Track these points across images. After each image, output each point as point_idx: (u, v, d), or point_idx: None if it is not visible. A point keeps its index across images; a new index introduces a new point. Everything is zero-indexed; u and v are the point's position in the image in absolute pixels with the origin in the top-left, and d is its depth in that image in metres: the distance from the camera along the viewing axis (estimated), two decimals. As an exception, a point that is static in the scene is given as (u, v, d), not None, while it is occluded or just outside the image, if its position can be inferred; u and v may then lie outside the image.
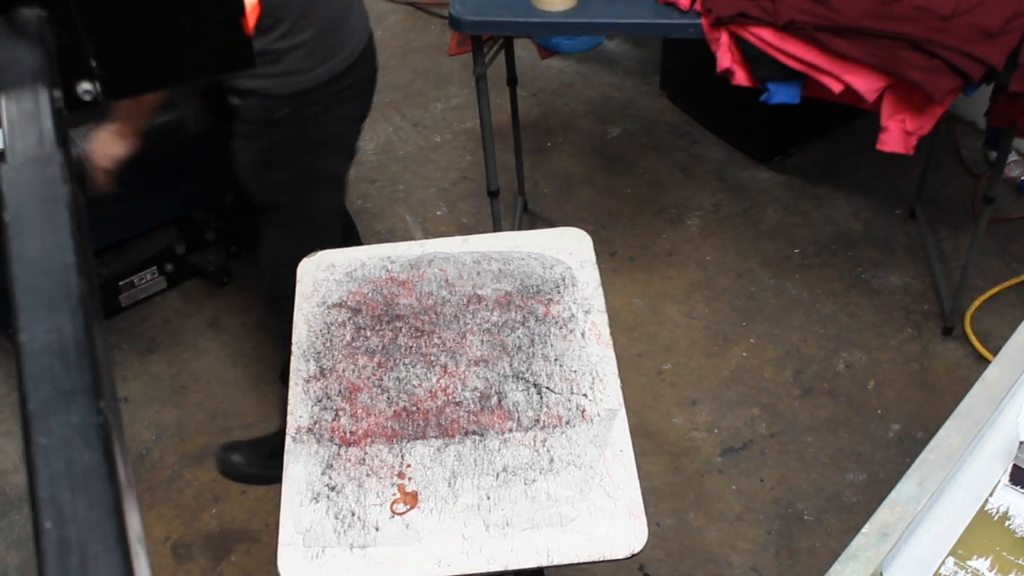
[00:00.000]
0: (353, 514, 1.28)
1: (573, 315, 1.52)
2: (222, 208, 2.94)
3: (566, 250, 1.64)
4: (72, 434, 0.42)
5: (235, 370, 2.70)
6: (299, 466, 1.34)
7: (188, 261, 2.85)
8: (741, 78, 2.18)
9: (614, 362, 1.45)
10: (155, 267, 2.81)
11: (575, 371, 1.43)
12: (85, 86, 0.58)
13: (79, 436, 0.42)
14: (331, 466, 1.34)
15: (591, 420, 1.37)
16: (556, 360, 1.45)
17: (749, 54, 2.14)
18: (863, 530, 1.21)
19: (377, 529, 1.26)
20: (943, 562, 1.19)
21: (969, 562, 1.19)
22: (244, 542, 2.32)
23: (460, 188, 3.26)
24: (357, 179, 3.27)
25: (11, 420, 2.61)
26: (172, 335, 2.80)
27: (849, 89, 2.06)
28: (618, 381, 1.42)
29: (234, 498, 2.41)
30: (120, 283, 2.77)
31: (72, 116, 0.58)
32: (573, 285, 1.57)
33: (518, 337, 1.49)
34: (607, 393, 1.40)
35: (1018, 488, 1.20)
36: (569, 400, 1.39)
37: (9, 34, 0.52)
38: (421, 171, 3.33)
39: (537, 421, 1.37)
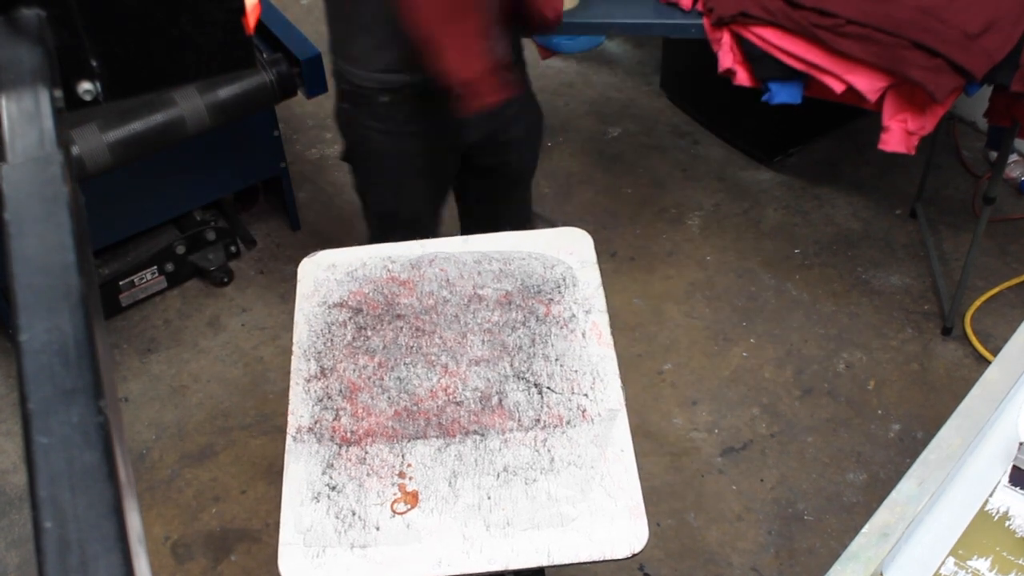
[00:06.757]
0: (354, 514, 1.28)
1: (574, 315, 1.52)
2: (222, 207, 2.94)
3: (567, 250, 1.64)
4: (72, 433, 0.42)
5: (235, 370, 2.70)
6: (300, 465, 1.34)
7: (188, 261, 2.85)
8: (743, 78, 2.18)
9: (615, 362, 1.44)
10: (155, 267, 2.80)
11: (576, 371, 1.43)
12: (85, 86, 0.58)
13: (79, 435, 0.42)
14: (332, 465, 1.34)
15: (592, 420, 1.36)
16: (557, 360, 1.45)
17: (751, 54, 2.14)
18: (863, 530, 1.21)
19: (378, 529, 1.26)
20: (943, 562, 1.19)
21: (969, 562, 1.19)
22: (244, 542, 2.32)
23: (460, 188, 3.25)
24: (357, 179, 3.26)
25: (11, 420, 2.61)
26: (172, 335, 2.80)
27: (851, 89, 2.06)
28: (619, 381, 1.42)
29: (234, 498, 2.41)
30: (120, 283, 2.76)
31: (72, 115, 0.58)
32: (574, 285, 1.57)
33: (519, 337, 1.49)
34: (608, 393, 1.40)
35: (1018, 489, 1.20)
36: (570, 400, 1.39)
37: (9, 34, 0.52)
38: (421, 171, 3.33)
39: (538, 421, 1.37)
